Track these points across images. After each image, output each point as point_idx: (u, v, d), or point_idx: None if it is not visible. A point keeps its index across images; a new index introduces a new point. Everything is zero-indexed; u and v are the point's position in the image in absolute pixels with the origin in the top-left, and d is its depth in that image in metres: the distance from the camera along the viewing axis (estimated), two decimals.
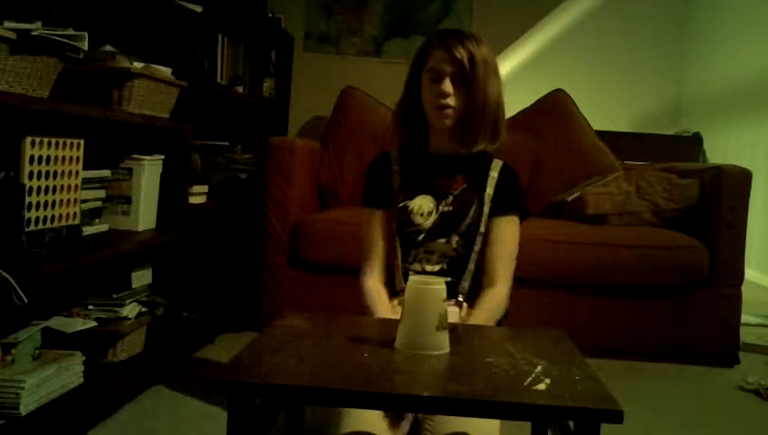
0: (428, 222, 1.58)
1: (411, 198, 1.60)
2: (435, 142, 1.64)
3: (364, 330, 1.31)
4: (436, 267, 1.58)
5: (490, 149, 1.62)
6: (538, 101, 3.23)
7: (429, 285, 1.15)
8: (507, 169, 1.65)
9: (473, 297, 1.57)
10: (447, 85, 1.53)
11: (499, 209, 1.61)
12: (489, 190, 1.62)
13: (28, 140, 1.57)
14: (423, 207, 1.59)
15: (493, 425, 1.28)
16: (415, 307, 1.15)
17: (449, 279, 1.53)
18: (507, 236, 1.61)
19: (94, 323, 1.91)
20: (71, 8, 1.97)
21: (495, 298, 1.55)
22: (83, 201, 1.88)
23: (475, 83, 1.53)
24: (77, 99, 1.85)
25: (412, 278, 1.19)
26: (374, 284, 1.61)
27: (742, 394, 2.32)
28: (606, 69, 4.85)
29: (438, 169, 1.63)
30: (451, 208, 1.58)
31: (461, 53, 1.53)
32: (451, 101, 1.54)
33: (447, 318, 1.16)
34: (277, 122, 3.69)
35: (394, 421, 1.28)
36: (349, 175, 3.05)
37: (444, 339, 1.15)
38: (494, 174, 1.63)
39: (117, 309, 2.02)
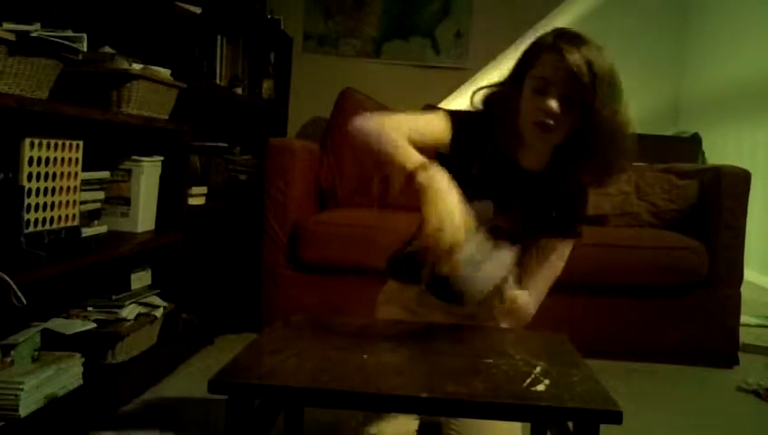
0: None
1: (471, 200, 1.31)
2: (522, 156, 1.37)
3: (364, 331, 1.31)
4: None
5: (590, 190, 1.37)
6: None
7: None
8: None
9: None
10: (553, 102, 1.25)
11: (556, 231, 1.41)
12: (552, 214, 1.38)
13: (27, 141, 1.57)
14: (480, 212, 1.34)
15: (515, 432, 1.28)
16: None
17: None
18: (557, 259, 1.43)
19: (93, 325, 1.91)
20: (70, 10, 1.97)
21: (523, 298, 1.38)
22: (82, 203, 1.88)
23: (593, 104, 1.24)
24: (76, 100, 1.84)
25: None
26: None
27: (741, 395, 2.32)
28: None
29: (510, 181, 1.37)
30: (504, 227, 1.37)
31: (578, 62, 1.22)
32: (555, 120, 1.26)
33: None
34: (276, 123, 3.69)
35: None
36: (348, 176, 3.05)
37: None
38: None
39: (116, 311, 2.02)
